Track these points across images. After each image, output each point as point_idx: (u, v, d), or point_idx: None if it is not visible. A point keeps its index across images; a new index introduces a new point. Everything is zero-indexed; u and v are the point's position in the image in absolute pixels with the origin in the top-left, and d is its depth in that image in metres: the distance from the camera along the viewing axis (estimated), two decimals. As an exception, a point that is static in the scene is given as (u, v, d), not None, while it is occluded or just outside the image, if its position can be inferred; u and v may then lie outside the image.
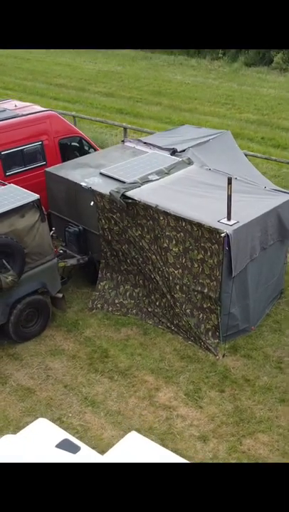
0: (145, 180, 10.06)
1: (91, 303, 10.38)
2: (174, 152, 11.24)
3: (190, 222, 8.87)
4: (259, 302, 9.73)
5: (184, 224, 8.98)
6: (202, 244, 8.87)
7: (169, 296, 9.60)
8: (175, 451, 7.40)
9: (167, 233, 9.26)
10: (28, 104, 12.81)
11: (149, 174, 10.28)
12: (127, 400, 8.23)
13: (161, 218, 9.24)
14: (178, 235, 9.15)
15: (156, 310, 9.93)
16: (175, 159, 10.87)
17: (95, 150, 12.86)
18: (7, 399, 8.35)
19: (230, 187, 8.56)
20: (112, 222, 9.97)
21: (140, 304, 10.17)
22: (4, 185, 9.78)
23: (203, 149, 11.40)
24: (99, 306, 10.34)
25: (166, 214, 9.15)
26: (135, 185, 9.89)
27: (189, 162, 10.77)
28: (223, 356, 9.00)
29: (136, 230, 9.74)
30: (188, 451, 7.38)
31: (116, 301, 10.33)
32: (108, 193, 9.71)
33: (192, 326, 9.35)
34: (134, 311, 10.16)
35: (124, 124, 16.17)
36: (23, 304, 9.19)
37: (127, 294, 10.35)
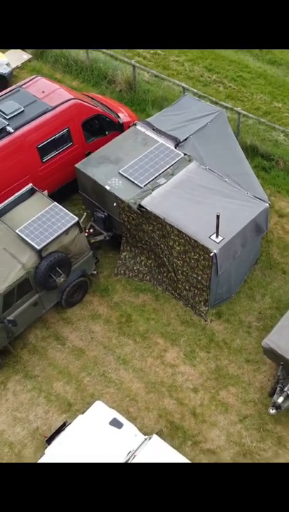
0: (155, 186, 13.06)
1: (116, 269, 14.13)
2: (177, 144, 13.87)
3: (189, 237, 12.22)
4: (239, 275, 13.49)
5: (184, 235, 12.33)
6: (197, 251, 12.33)
7: (173, 274, 13.33)
8: (177, 399, 11.98)
9: (172, 237, 12.65)
10: (53, 86, 14.69)
11: (158, 178, 13.21)
12: (146, 359, 12.58)
13: (168, 227, 12.54)
14: (180, 240, 12.54)
15: (164, 279, 13.73)
16: (178, 155, 13.59)
17: (111, 119, 15.22)
18: (68, 358, 12.70)
19: (218, 221, 11.72)
20: (131, 218, 13.23)
21: (152, 272, 13.93)
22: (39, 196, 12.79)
23: (202, 138, 14.00)
24: (122, 271, 14.11)
25: (171, 226, 12.44)
26: (147, 192, 12.93)
27: (190, 159, 13.54)
28: (211, 321, 13.10)
29: (148, 225, 13.06)
30: (185, 400, 11.94)
31: (134, 268, 14.08)
32: (127, 202, 12.83)
33: (189, 298, 13.28)
34: (147, 277, 13.96)
35: (133, 61, 17.84)
36: (70, 287, 13.01)
37: (142, 263, 14.03)
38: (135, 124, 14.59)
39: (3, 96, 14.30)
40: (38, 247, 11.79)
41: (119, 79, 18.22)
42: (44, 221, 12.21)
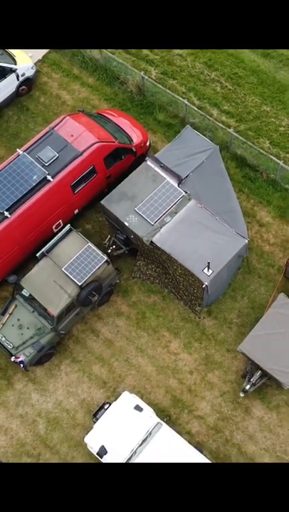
0: (163, 224, 17.24)
1: (133, 274, 18.79)
2: (180, 182, 17.69)
3: (188, 269, 16.75)
4: (226, 283, 18.19)
5: (184, 267, 16.85)
6: (193, 277, 16.94)
7: (176, 283, 18.06)
8: (178, 379, 17.46)
9: (175, 264, 17.17)
10: (80, 129, 17.85)
11: (165, 215, 17.32)
12: (156, 349, 17.82)
13: (172, 258, 17.02)
14: (182, 268, 17.09)
15: (169, 283, 18.46)
16: (180, 193, 17.53)
17: (126, 148, 18.73)
18: (101, 347, 17.94)
19: (209, 264, 16.16)
20: (144, 245, 17.61)
21: (160, 277, 18.61)
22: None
23: (199, 175, 17.80)
24: (137, 275, 18.79)
25: (175, 259, 16.91)
26: (156, 230, 17.17)
27: (189, 198, 17.51)
28: (203, 318, 18.10)
29: (158, 251, 17.50)
30: (184, 380, 17.40)
31: (147, 273, 18.73)
32: (141, 238, 17.14)
33: (187, 300, 18.15)
34: (157, 280, 18.68)
35: (141, 72, 20.52)
36: (101, 296, 17.84)
37: (153, 269, 18.64)
38: (145, 160, 18.21)
39: (40, 140, 17.73)
40: (80, 284, 16.44)
41: (129, 83, 21.00)
42: (82, 260, 16.66)
